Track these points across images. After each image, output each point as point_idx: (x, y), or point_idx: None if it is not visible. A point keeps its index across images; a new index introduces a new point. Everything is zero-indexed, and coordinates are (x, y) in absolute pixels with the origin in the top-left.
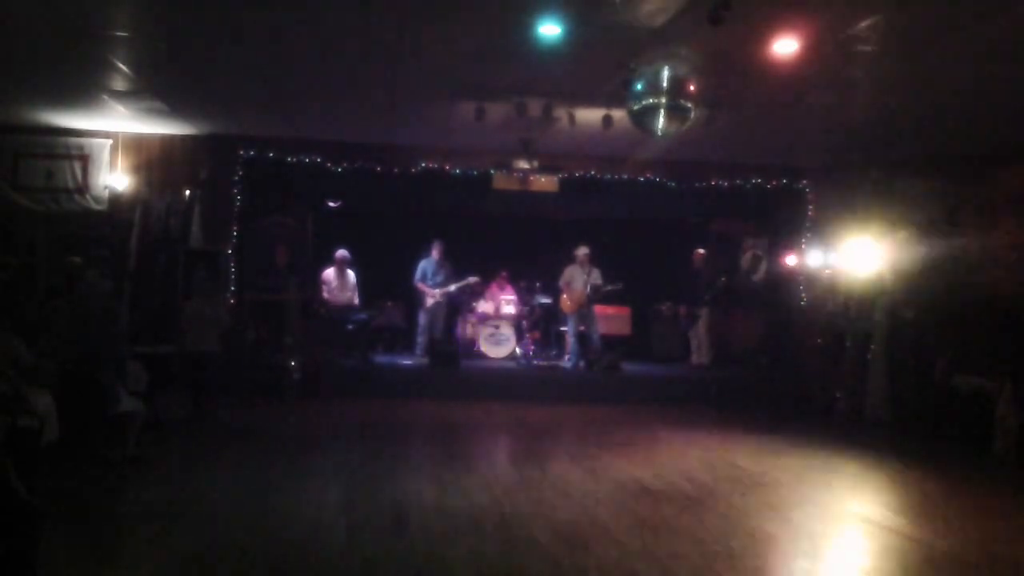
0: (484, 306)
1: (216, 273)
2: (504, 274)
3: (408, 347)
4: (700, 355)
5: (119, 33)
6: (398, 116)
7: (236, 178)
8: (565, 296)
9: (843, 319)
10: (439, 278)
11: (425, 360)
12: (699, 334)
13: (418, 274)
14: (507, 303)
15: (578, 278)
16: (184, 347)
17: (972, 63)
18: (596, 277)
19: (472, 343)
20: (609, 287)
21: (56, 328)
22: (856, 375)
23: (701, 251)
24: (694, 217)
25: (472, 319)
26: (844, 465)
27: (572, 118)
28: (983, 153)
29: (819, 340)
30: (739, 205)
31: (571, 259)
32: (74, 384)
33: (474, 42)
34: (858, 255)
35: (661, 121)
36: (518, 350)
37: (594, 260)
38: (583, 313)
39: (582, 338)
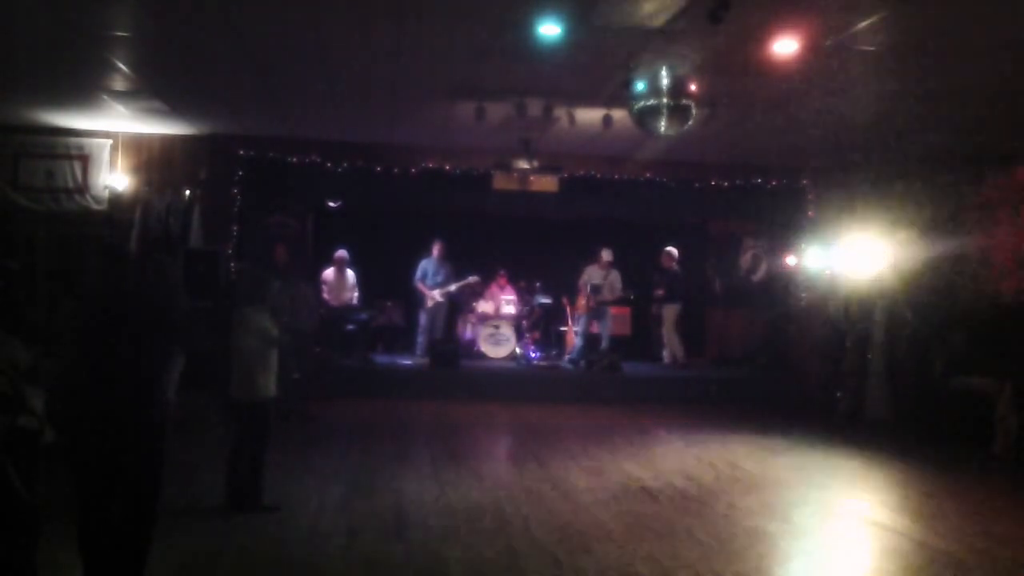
0: (484, 306)
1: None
2: (504, 274)
3: (408, 347)
4: (668, 354)
5: (119, 33)
6: (398, 116)
7: (236, 178)
8: (581, 295)
9: (843, 319)
10: (439, 278)
11: (425, 360)
12: (662, 332)
13: (418, 273)
14: (507, 303)
15: (596, 279)
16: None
17: (973, 63)
18: (615, 280)
19: (472, 343)
20: (613, 298)
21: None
22: (856, 375)
23: (669, 249)
24: (694, 217)
25: (472, 319)
26: (844, 465)
27: (572, 118)
28: (983, 153)
29: (819, 340)
30: (739, 205)
31: (593, 259)
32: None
33: (474, 42)
34: (858, 255)
35: (663, 121)
36: (518, 350)
37: (616, 263)
38: (597, 313)
39: (592, 338)
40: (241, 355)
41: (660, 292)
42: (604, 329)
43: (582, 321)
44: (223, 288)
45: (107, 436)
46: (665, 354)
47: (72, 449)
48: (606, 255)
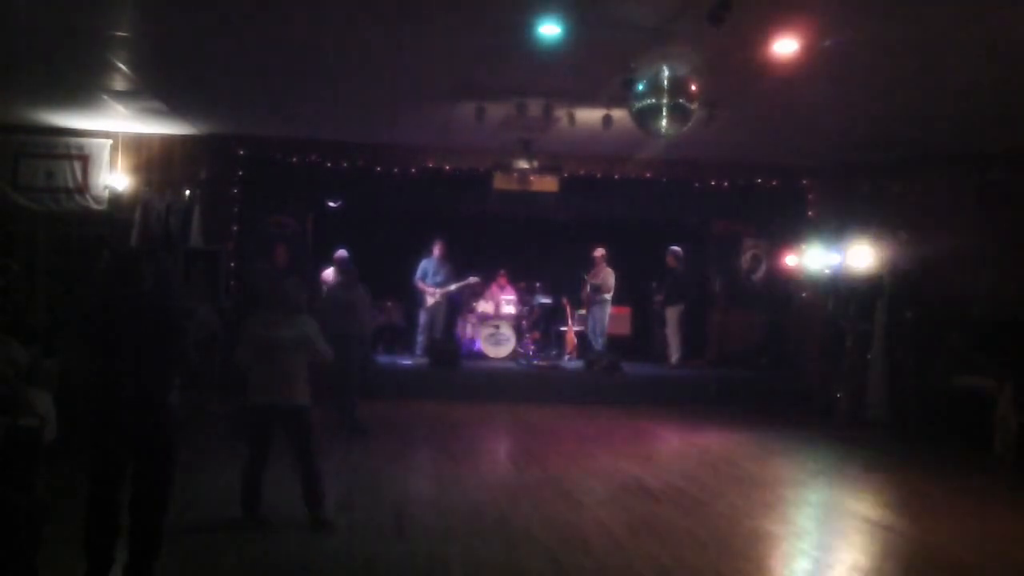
0: (484, 306)
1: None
2: (504, 274)
3: (408, 347)
4: (669, 354)
5: (119, 33)
6: (398, 116)
7: (236, 178)
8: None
9: (843, 319)
10: (439, 277)
11: (425, 360)
12: (666, 332)
13: (419, 272)
14: (507, 303)
15: (593, 279)
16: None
17: (971, 63)
18: (605, 278)
19: (472, 343)
20: (607, 291)
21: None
22: (856, 375)
23: (675, 249)
24: (694, 217)
25: (472, 319)
26: (844, 465)
27: (572, 118)
28: (983, 153)
29: (819, 340)
30: (739, 205)
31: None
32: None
33: (474, 42)
34: (858, 255)
35: (663, 121)
36: (518, 350)
37: (616, 264)
38: (594, 310)
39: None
40: (254, 361)
41: (659, 297)
42: (600, 326)
43: (588, 321)
44: (246, 292)
45: (124, 432)
46: (668, 353)
47: (91, 444)
48: (597, 252)
